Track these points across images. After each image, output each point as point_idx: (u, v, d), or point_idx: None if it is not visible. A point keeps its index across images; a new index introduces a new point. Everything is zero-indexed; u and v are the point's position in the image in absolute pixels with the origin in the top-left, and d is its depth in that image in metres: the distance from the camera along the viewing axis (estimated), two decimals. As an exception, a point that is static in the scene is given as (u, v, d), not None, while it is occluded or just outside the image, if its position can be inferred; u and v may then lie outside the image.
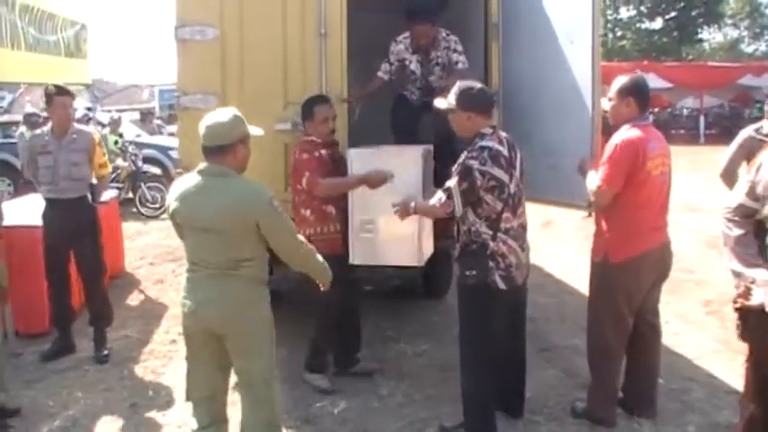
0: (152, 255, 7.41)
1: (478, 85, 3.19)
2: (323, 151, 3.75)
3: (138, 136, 12.21)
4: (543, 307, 5.21)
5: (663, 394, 3.59)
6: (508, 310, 3.22)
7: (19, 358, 4.41)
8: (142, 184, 9.88)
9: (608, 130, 3.36)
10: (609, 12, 31.16)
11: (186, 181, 2.70)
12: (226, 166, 2.62)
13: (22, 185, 9.45)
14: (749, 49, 36.24)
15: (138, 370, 4.29)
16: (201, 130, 2.63)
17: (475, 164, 2.96)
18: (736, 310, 2.47)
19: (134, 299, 5.90)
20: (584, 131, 3.75)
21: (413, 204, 3.21)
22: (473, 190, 2.96)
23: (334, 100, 3.95)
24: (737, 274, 2.43)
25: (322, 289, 3.00)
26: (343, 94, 4.11)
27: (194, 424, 2.78)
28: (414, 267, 3.97)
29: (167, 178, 10.20)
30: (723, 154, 4.06)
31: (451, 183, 3.00)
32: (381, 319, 4.96)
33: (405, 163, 3.56)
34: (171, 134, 14.68)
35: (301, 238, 2.84)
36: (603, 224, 3.28)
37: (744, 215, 2.46)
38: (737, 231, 2.45)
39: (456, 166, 3.03)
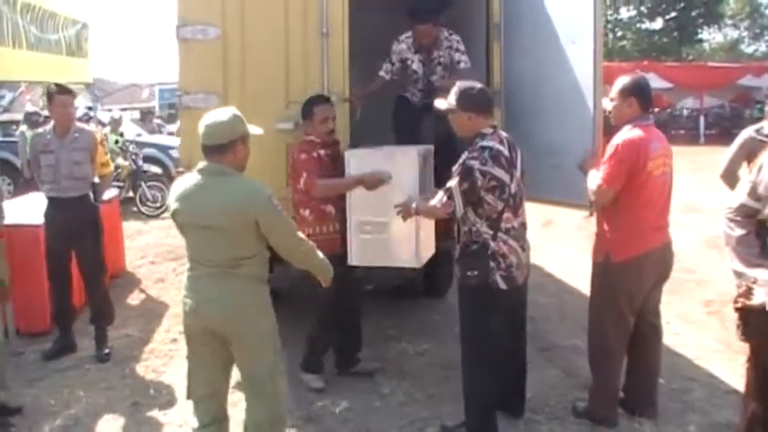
0: (153, 254, 7.42)
1: (478, 85, 3.19)
2: (322, 151, 3.75)
3: (139, 135, 12.23)
4: (543, 306, 5.21)
5: (664, 394, 3.59)
6: (509, 309, 3.22)
7: (20, 357, 4.41)
8: (142, 184, 9.90)
9: (609, 130, 3.37)
10: (609, 12, 31.16)
11: (186, 180, 2.71)
12: (225, 164, 2.62)
13: (22, 184, 9.46)
14: (749, 50, 36.33)
15: (140, 369, 4.30)
16: (201, 130, 2.64)
17: (476, 164, 2.96)
18: (737, 309, 2.49)
19: (135, 298, 5.90)
20: (586, 131, 3.75)
21: (414, 205, 3.21)
22: (474, 190, 2.96)
23: (335, 99, 3.95)
24: (739, 274, 2.45)
25: (324, 285, 3.00)
26: (345, 94, 4.10)
27: (195, 422, 2.78)
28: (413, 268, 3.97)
29: (168, 177, 10.21)
30: (723, 154, 4.06)
31: (452, 183, 3.01)
32: (382, 318, 4.97)
33: (402, 164, 3.55)
34: (171, 133, 14.72)
35: (301, 235, 2.84)
36: (605, 224, 3.29)
37: (745, 215, 2.47)
38: (739, 231, 2.46)
39: (457, 166, 3.03)
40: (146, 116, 15.46)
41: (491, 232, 3.04)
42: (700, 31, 32.70)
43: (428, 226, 3.71)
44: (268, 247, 2.72)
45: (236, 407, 3.46)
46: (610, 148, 3.18)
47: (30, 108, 11.62)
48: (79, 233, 4.33)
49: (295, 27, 4.02)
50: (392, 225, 3.44)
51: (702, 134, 20.83)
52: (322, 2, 4.00)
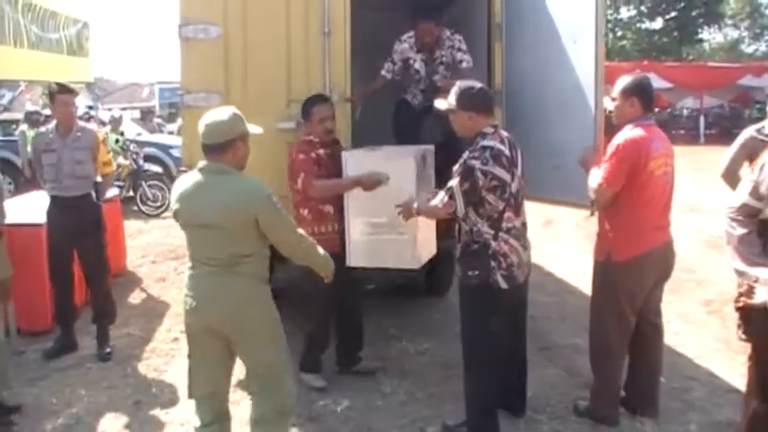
0: (153, 253, 7.42)
1: (479, 84, 3.19)
2: (321, 151, 3.74)
3: (139, 134, 12.24)
4: (544, 306, 5.22)
5: (664, 393, 3.60)
6: (509, 309, 3.22)
7: (22, 356, 4.41)
8: (143, 183, 9.90)
9: (611, 130, 3.37)
10: (609, 12, 31.16)
11: (186, 180, 2.72)
12: (225, 163, 2.63)
13: (22, 183, 9.46)
14: (749, 50, 36.35)
15: (141, 368, 4.30)
16: (201, 129, 2.65)
17: (477, 164, 2.96)
18: (739, 309, 2.49)
19: (136, 297, 5.90)
20: (587, 131, 3.76)
21: (415, 205, 3.22)
22: (475, 190, 2.96)
23: (337, 98, 3.95)
24: (741, 273, 2.45)
25: (326, 281, 3.01)
26: (347, 93, 4.11)
27: (197, 421, 2.79)
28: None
29: (168, 176, 10.23)
30: (723, 154, 4.06)
31: (453, 183, 3.00)
32: (383, 317, 4.97)
33: (399, 165, 3.53)
34: (171, 132, 14.73)
35: (302, 232, 2.85)
36: (606, 224, 3.29)
37: (747, 214, 2.48)
38: (741, 230, 2.47)
39: (458, 166, 3.03)
40: (146, 115, 15.47)
41: (492, 232, 3.04)
42: (700, 30, 32.71)
43: (428, 227, 3.69)
44: (270, 245, 2.73)
45: (238, 405, 3.48)
46: (611, 148, 3.18)
47: (30, 107, 11.63)
48: (81, 232, 4.33)
49: (297, 26, 4.02)
50: (390, 226, 3.43)
51: (702, 134, 20.85)
52: (324, 1, 4.01)
